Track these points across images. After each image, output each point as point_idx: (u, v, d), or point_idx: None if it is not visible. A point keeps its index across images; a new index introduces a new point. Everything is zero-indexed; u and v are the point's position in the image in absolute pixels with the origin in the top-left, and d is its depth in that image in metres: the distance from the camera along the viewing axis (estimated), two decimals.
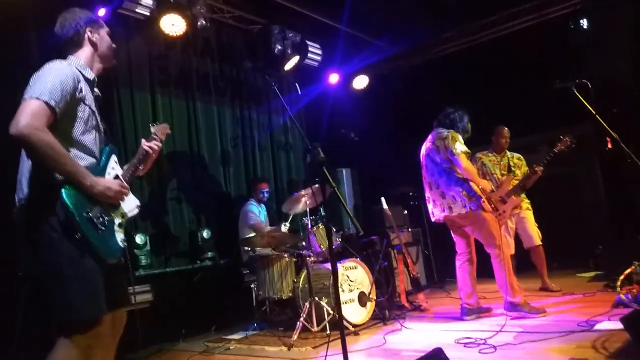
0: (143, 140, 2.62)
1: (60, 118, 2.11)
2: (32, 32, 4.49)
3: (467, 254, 4.44)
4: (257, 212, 5.73)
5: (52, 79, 2.10)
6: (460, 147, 4.22)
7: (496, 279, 4.23)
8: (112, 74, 2.70)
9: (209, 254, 5.49)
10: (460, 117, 4.46)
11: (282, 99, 2.46)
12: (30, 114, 2.01)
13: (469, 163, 4.23)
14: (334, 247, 4.86)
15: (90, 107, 2.28)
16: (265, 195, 5.82)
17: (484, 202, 4.18)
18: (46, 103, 2.04)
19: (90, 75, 2.34)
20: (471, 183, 4.24)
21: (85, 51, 2.37)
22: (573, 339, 3.26)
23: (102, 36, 2.43)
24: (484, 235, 4.24)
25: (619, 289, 3.07)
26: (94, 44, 2.38)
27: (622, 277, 2.98)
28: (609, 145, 4.42)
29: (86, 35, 2.37)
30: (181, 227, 5.61)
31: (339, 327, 2.26)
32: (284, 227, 5.39)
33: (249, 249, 5.27)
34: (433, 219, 4.50)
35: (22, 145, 2.03)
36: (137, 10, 4.90)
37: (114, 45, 2.50)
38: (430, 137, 4.50)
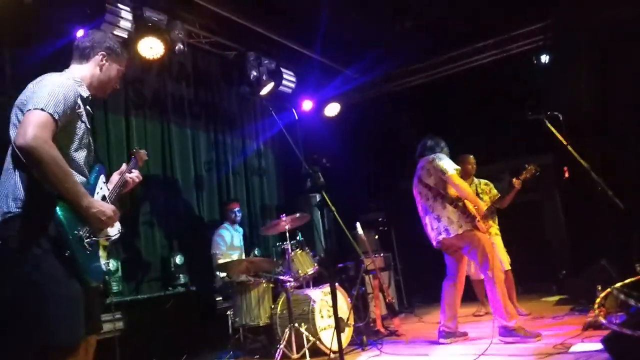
0: (124, 165, 2.60)
1: (57, 133, 2.07)
2: (5, 51, 4.38)
3: (456, 277, 4.46)
4: (229, 236, 5.66)
5: (56, 92, 2.07)
6: (450, 166, 4.25)
7: (490, 302, 4.21)
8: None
9: (182, 280, 5.36)
10: (437, 142, 4.56)
11: (279, 122, 2.48)
12: (37, 125, 1.97)
13: (463, 181, 4.25)
14: (311, 272, 4.87)
15: (85, 125, 2.25)
16: (238, 214, 5.76)
17: (478, 221, 4.22)
18: (51, 116, 2.01)
19: (85, 92, 2.29)
20: (466, 202, 4.27)
21: (86, 69, 2.35)
22: None
23: (112, 68, 2.40)
24: (479, 257, 4.18)
25: (597, 311, 3.20)
26: (100, 68, 2.36)
27: (598, 300, 3.12)
28: (566, 175, 4.69)
29: (98, 57, 2.35)
30: (153, 252, 5.47)
31: (339, 351, 2.25)
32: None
33: (225, 274, 5.19)
34: (434, 245, 4.46)
35: (27, 158, 1.97)
36: (115, 32, 4.83)
37: (117, 86, 2.48)
38: (418, 167, 4.55)
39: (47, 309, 1.97)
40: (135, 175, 2.61)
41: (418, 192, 4.54)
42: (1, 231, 2.04)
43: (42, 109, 1.99)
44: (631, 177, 5.97)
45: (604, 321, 2.85)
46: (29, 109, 2.00)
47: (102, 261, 2.21)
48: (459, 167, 4.32)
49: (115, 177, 2.56)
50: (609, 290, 2.89)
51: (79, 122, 2.20)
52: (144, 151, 2.83)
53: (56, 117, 2.02)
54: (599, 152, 5.50)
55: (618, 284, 3.21)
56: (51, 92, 2.06)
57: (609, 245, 5.64)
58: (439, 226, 4.31)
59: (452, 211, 4.26)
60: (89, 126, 2.28)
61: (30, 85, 2.15)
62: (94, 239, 2.13)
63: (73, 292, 2.02)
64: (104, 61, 2.37)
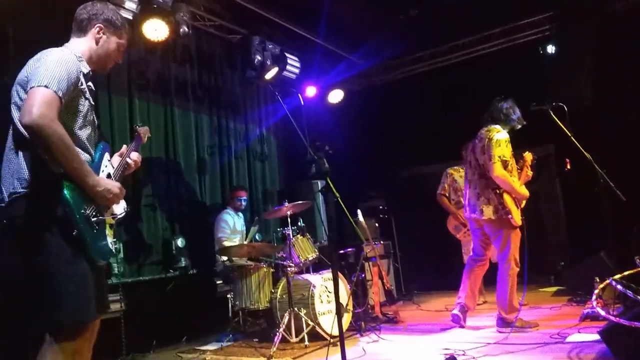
0: (124, 147, 2.59)
1: (62, 111, 2.03)
2: (9, 28, 4.35)
3: (484, 258, 4.45)
4: (232, 221, 5.69)
5: (59, 68, 2.02)
6: (498, 155, 4.06)
7: (497, 292, 4.20)
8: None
9: (183, 263, 5.40)
10: (513, 109, 4.32)
11: (284, 107, 2.48)
12: (43, 103, 1.92)
13: (505, 174, 4.08)
14: (312, 258, 4.90)
15: (89, 101, 2.21)
16: (243, 203, 5.79)
17: (511, 217, 4.08)
18: (55, 93, 1.97)
19: (86, 68, 2.22)
20: (505, 194, 4.11)
21: (84, 43, 2.27)
22: (549, 351, 3.40)
23: (110, 42, 2.30)
24: (502, 245, 4.16)
25: (595, 302, 3.24)
26: (97, 41, 2.27)
27: (597, 291, 3.15)
28: (568, 166, 4.70)
29: (95, 29, 2.27)
30: (155, 234, 5.49)
31: (340, 337, 2.28)
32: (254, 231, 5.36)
33: (226, 258, 5.23)
34: (471, 216, 4.35)
35: (34, 136, 1.93)
36: (120, 13, 4.81)
37: (119, 61, 2.40)
38: (479, 133, 4.33)
39: (56, 289, 1.97)
40: (136, 157, 2.56)
41: (469, 162, 4.38)
42: (7, 211, 2.03)
43: (45, 86, 1.95)
44: (632, 170, 6.00)
45: (601, 312, 2.88)
46: (32, 87, 1.96)
47: (109, 240, 2.21)
48: (506, 157, 4.11)
49: (115, 159, 2.50)
50: (607, 281, 2.91)
51: (83, 99, 2.15)
52: (146, 127, 2.82)
53: (60, 95, 1.98)
54: (601, 144, 5.53)
55: (616, 276, 3.25)
56: (53, 68, 2.01)
57: (608, 237, 5.67)
58: (475, 204, 4.24)
59: (493, 196, 4.13)
60: (92, 103, 2.24)
61: (31, 62, 2.10)
62: (100, 217, 2.12)
63: (81, 272, 2.02)
64: (101, 34, 2.27)
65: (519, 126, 4.35)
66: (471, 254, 4.59)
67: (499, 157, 4.05)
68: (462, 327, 4.43)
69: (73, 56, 2.16)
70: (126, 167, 2.52)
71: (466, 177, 4.48)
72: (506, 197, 4.11)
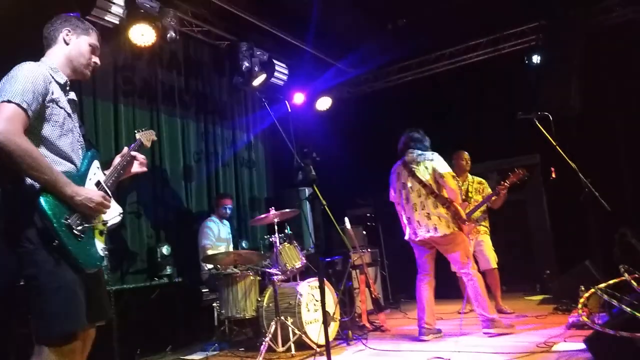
0: (125, 148, 2.57)
1: (34, 121, 2.04)
2: None
3: (431, 276, 4.56)
4: (217, 229, 5.64)
5: (22, 80, 2.03)
6: (445, 168, 4.35)
7: (472, 299, 4.33)
8: (76, 81, 2.58)
9: (168, 271, 5.32)
10: (423, 135, 4.65)
11: (272, 115, 2.45)
12: (4, 119, 1.93)
13: (455, 185, 4.35)
14: (299, 266, 4.87)
15: (64, 110, 2.20)
16: (228, 211, 5.75)
17: (465, 224, 4.38)
18: (18, 105, 1.97)
19: (62, 78, 2.24)
20: (456, 204, 4.38)
21: (57, 51, 2.29)
22: None
23: (80, 42, 2.32)
24: (460, 256, 4.35)
25: (580, 311, 3.25)
26: (67, 42, 2.29)
27: (582, 300, 3.16)
28: (553, 175, 4.74)
29: (61, 36, 2.29)
30: (139, 242, 5.41)
31: (326, 346, 2.26)
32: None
33: (212, 266, 5.17)
34: (415, 239, 4.48)
35: None
36: (106, 17, 4.77)
37: (93, 60, 2.37)
38: (407, 159, 4.55)
39: (42, 299, 1.98)
40: (141, 157, 2.57)
41: (406, 185, 4.53)
42: None
43: (8, 101, 1.96)
44: (619, 179, 6.07)
45: (587, 321, 2.89)
46: None
47: (100, 246, 2.18)
48: (451, 172, 4.40)
49: (116, 159, 2.52)
50: (592, 290, 2.93)
51: (57, 109, 2.15)
52: (152, 131, 2.79)
53: (24, 106, 1.98)
54: (588, 153, 5.59)
55: (602, 285, 3.26)
56: (18, 81, 2.02)
57: (593, 245, 5.71)
58: (427, 224, 4.38)
59: (444, 211, 4.35)
60: (68, 111, 2.23)
61: (3, 79, 2.10)
62: (86, 225, 2.10)
63: (67, 281, 2.01)
64: (70, 35, 2.31)
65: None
66: (417, 272, 4.63)
67: (448, 171, 4.34)
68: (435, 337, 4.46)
69: (44, 68, 2.17)
70: (125, 168, 2.51)
71: (406, 201, 4.55)
72: (457, 206, 4.41)
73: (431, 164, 4.40)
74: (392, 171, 4.76)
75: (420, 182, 4.44)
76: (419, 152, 4.53)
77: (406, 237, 4.62)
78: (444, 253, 4.47)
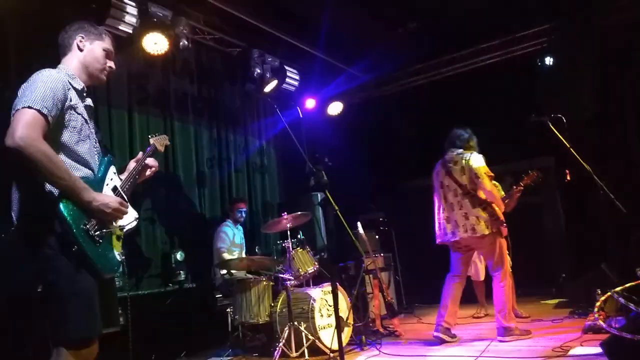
0: (140, 153, 2.62)
1: (53, 127, 2.08)
2: (11, 45, 4.39)
3: (461, 278, 4.53)
4: (232, 234, 5.67)
5: (42, 87, 2.07)
6: (482, 169, 4.28)
7: (495, 302, 4.28)
8: (91, 89, 2.64)
9: (182, 277, 5.36)
10: (470, 135, 4.56)
11: (283, 120, 2.48)
12: (24, 124, 1.97)
13: (493, 186, 4.32)
14: (312, 271, 4.87)
15: (82, 116, 2.24)
16: (243, 214, 5.78)
17: (504, 227, 4.31)
18: (39, 111, 2.01)
19: (79, 85, 2.28)
20: (494, 206, 4.31)
21: (73, 58, 2.34)
22: None
23: (94, 48, 2.37)
24: (496, 258, 4.29)
25: (596, 315, 3.21)
26: (81, 49, 2.34)
27: (598, 303, 3.12)
28: (568, 177, 4.70)
29: (75, 42, 2.34)
30: (154, 248, 5.47)
31: (339, 352, 2.26)
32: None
33: (225, 271, 5.20)
34: (452, 239, 4.41)
35: (18, 158, 1.96)
36: (120, 27, 4.85)
37: (108, 64, 2.41)
38: (447, 157, 4.52)
39: (61, 306, 2.02)
40: (152, 162, 2.62)
41: (443, 184, 4.51)
42: (15, 235, 2.10)
43: (29, 107, 2.00)
44: (634, 180, 5.99)
45: (603, 325, 2.85)
46: (17, 109, 2.01)
47: (116, 252, 2.21)
48: (492, 173, 4.34)
49: (131, 165, 2.57)
50: (608, 294, 2.89)
51: (75, 115, 2.19)
52: (164, 136, 2.83)
53: (45, 112, 2.02)
54: (602, 155, 5.53)
55: (618, 288, 3.22)
56: (38, 87, 2.06)
57: (609, 248, 5.64)
58: (465, 224, 4.32)
59: (481, 212, 4.28)
60: (86, 117, 2.27)
61: (23, 85, 2.14)
62: (104, 231, 2.14)
63: (85, 288, 2.05)
64: (84, 42, 2.35)
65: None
66: (450, 271, 4.61)
67: (485, 172, 4.27)
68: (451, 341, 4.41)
69: (62, 74, 2.22)
70: (140, 173, 2.56)
71: (444, 201, 4.51)
72: (495, 208, 4.31)
73: (468, 163, 4.33)
74: (434, 170, 4.70)
75: (457, 181, 4.39)
76: (459, 150, 4.47)
77: (439, 240, 4.57)
78: (480, 253, 4.42)
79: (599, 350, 3.03)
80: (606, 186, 4.01)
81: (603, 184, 3.60)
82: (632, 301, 3.09)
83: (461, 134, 4.54)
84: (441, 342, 4.38)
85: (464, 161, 4.37)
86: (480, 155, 4.38)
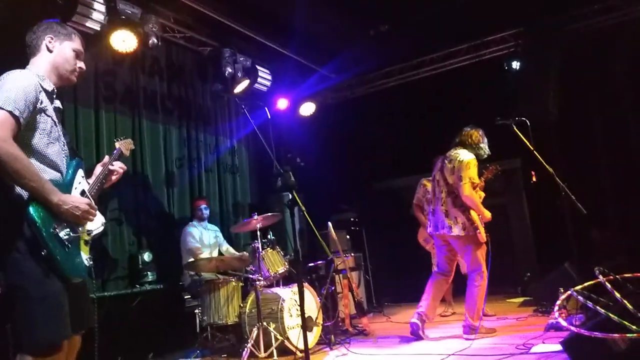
0: (107, 157, 2.58)
1: (23, 129, 2.05)
2: None
3: (445, 277, 4.63)
4: (198, 234, 5.62)
5: (14, 88, 2.03)
6: (466, 175, 4.32)
7: (467, 301, 4.39)
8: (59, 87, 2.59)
9: (150, 278, 5.29)
10: (482, 137, 4.60)
11: (251, 121, 2.48)
12: None
13: (473, 192, 4.35)
14: (282, 271, 4.87)
15: (52, 118, 2.21)
16: (204, 211, 5.71)
17: (479, 233, 4.32)
18: (10, 113, 1.98)
19: (49, 86, 2.25)
20: (471, 211, 4.35)
21: (42, 59, 2.29)
22: None
23: (64, 47, 2.33)
24: (472, 260, 4.39)
25: (557, 314, 3.31)
26: (50, 50, 2.30)
27: (559, 302, 3.22)
28: (534, 179, 4.84)
29: (44, 43, 2.30)
30: (121, 249, 5.37)
31: (305, 352, 2.27)
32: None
33: (193, 273, 5.15)
34: (436, 232, 4.53)
35: None
36: (87, 24, 4.75)
37: (78, 65, 2.37)
38: (447, 154, 4.60)
39: (28, 309, 1.99)
40: (119, 165, 2.57)
41: (435, 178, 4.63)
42: None
43: (0, 108, 1.97)
44: (597, 182, 6.19)
45: (563, 323, 2.94)
46: None
47: (84, 256, 2.19)
48: (476, 180, 4.41)
49: (97, 169, 2.53)
50: (568, 293, 2.99)
51: (45, 117, 2.16)
52: (129, 140, 2.80)
53: (16, 114, 2.00)
54: (566, 158, 5.69)
55: (578, 287, 3.32)
56: (9, 88, 2.03)
57: (572, 248, 5.80)
58: (444, 220, 4.43)
59: (460, 214, 4.37)
60: (55, 119, 2.24)
61: None
62: (72, 235, 2.11)
63: (53, 292, 2.02)
64: (53, 42, 2.30)
65: (485, 156, 4.60)
66: (436, 268, 4.73)
67: (469, 178, 4.32)
68: (421, 338, 4.47)
69: (33, 75, 2.18)
70: (106, 177, 2.52)
71: (433, 194, 4.66)
72: (473, 214, 4.37)
73: (460, 164, 4.39)
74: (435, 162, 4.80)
75: (445, 179, 4.50)
76: (460, 150, 4.52)
77: (428, 230, 4.70)
78: (458, 252, 4.50)
79: (559, 347, 3.12)
80: (568, 188, 4.15)
81: (565, 186, 3.71)
82: (591, 300, 3.19)
83: (468, 132, 4.58)
84: (416, 329, 4.45)
85: (457, 161, 4.44)
86: (474, 160, 4.42)
